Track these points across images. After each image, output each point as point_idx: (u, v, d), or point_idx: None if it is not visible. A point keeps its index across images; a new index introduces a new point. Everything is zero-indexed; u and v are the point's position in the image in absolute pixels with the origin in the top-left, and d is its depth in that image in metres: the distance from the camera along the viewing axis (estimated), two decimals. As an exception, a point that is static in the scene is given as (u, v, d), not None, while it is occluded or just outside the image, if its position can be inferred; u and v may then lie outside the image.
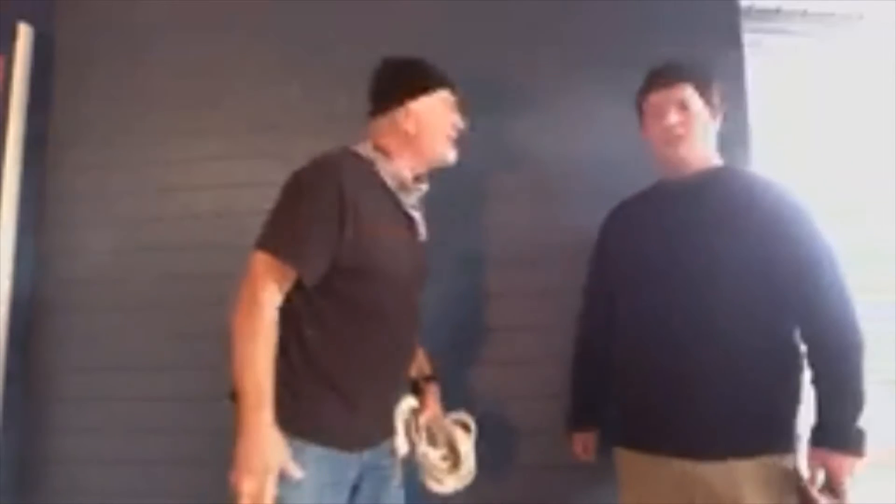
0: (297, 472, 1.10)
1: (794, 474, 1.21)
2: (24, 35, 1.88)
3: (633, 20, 1.79)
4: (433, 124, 1.31)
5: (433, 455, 1.35)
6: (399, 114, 1.30)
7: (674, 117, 1.34)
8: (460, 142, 1.37)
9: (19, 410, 1.79)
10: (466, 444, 1.37)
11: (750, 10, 1.92)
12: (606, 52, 1.77)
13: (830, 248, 1.23)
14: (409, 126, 1.29)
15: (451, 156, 1.35)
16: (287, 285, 1.16)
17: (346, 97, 1.81)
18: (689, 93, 1.34)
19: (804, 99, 2.00)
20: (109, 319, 1.83)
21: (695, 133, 1.33)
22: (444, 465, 1.35)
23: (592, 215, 1.53)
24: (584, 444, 1.51)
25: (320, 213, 1.15)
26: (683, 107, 1.34)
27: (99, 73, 1.96)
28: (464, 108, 1.38)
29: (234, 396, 1.12)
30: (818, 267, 1.21)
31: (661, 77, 1.37)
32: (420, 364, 1.44)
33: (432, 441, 1.37)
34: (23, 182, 1.84)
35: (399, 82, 1.33)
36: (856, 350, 1.18)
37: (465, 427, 1.41)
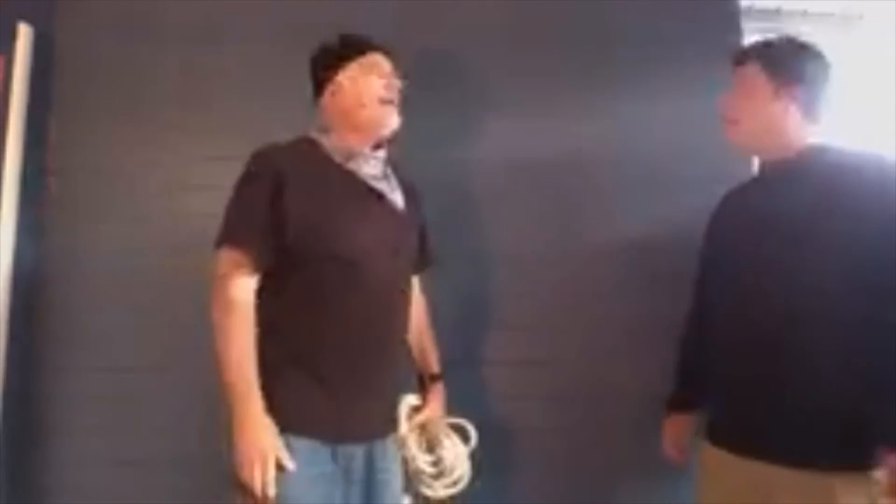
0: (289, 463, 1.10)
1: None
2: (24, 35, 1.88)
3: (634, 20, 1.79)
4: (359, 92, 1.29)
5: (421, 460, 1.32)
6: (327, 92, 1.33)
7: (727, 98, 1.29)
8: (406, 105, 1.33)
9: (19, 410, 1.79)
10: (452, 453, 1.33)
11: (750, 10, 1.92)
12: (608, 52, 1.78)
13: None
14: (339, 100, 1.31)
15: (388, 119, 1.30)
16: (249, 271, 1.18)
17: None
18: (753, 71, 1.26)
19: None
20: (109, 319, 1.82)
21: (755, 116, 1.26)
22: (432, 470, 1.32)
23: (604, 213, 1.53)
24: (675, 434, 1.40)
25: (256, 195, 1.19)
26: (742, 87, 1.27)
27: (99, 73, 1.96)
28: (397, 67, 1.35)
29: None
30: None
31: (738, 53, 1.32)
32: (427, 359, 1.42)
33: (426, 443, 1.34)
34: (23, 182, 1.84)
35: (323, 60, 1.36)
36: None
37: (464, 434, 1.37)
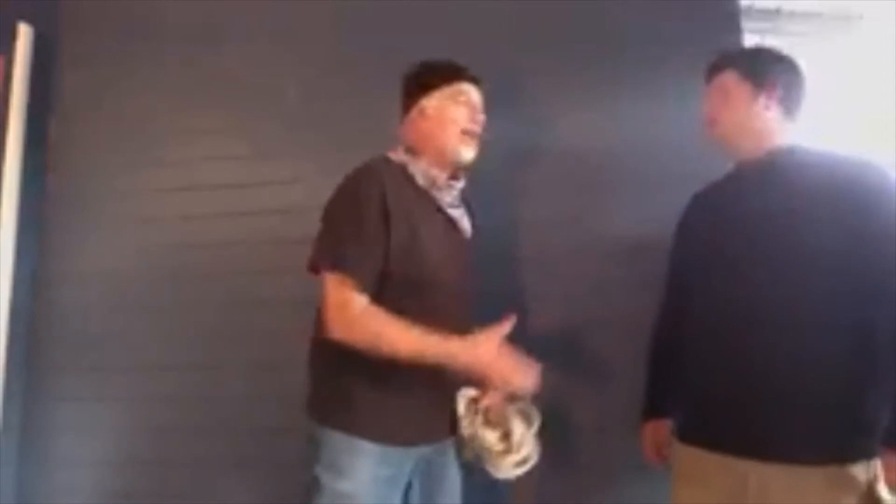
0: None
1: (872, 486, 1.08)
2: (24, 35, 1.88)
3: (634, 20, 1.79)
4: (443, 120, 1.30)
5: (490, 436, 1.30)
6: (415, 112, 1.32)
7: (706, 104, 1.33)
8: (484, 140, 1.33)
9: (20, 410, 1.79)
10: (521, 430, 1.31)
11: (750, 10, 1.92)
12: (608, 53, 1.77)
13: None
14: (424, 123, 1.31)
15: (465, 153, 1.31)
16: (360, 293, 1.16)
17: (348, 98, 1.82)
18: (730, 77, 1.30)
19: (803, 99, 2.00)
20: (110, 319, 1.83)
21: (732, 118, 1.29)
22: (500, 447, 1.30)
23: (604, 212, 1.53)
24: (655, 439, 1.42)
25: (370, 222, 1.18)
26: (720, 93, 1.31)
27: (99, 73, 1.96)
28: (485, 100, 1.35)
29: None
30: (892, 250, 1.09)
31: (708, 70, 1.36)
32: None
33: (490, 425, 1.32)
34: (23, 182, 1.84)
35: (414, 81, 1.35)
36: None
37: (527, 417, 1.35)
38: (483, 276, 1.52)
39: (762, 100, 1.27)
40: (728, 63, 1.32)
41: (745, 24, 1.82)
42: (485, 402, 1.33)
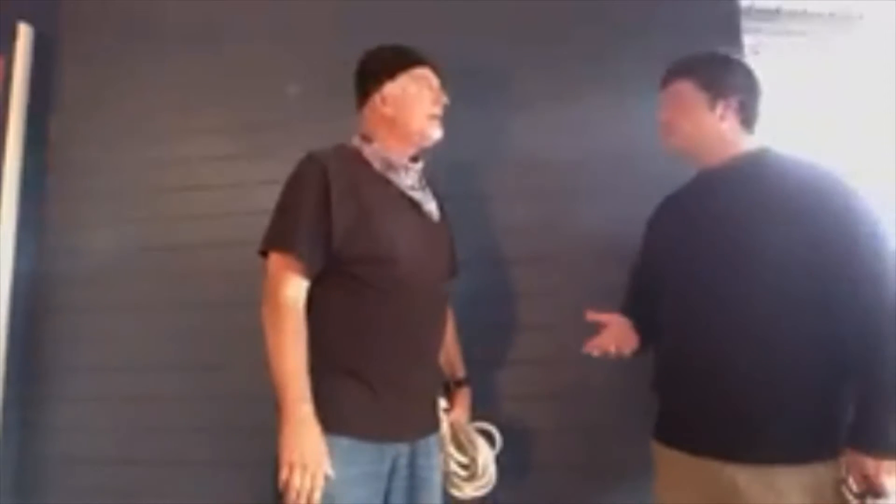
0: (330, 471, 1.10)
1: (843, 484, 1.11)
2: (24, 35, 1.88)
3: (633, 20, 1.79)
4: (409, 103, 1.32)
5: (453, 461, 1.35)
6: (376, 100, 1.33)
7: (661, 113, 1.34)
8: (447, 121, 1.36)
9: (19, 410, 1.79)
10: (486, 455, 1.37)
11: (750, 10, 1.92)
12: (607, 53, 1.77)
13: (874, 235, 1.12)
14: (387, 109, 1.32)
15: (434, 133, 1.34)
16: (301, 275, 1.18)
17: (348, 98, 1.82)
18: (685, 87, 1.30)
19: (804, 99, 2.00)
20: (110, 319, 1.83)
21: (687, 127, 1.29)
22: (463, 473, 1.36)
23: (605, 213, 1.54)
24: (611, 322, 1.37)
25: (306, 200, 1.20)
26: (675, 101, 1.31)
27: (99, 73, 1.96)
28: (443, 83, 1.38)
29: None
30: (856, 255, 1.11)
31: (664, 75, 1.36)
32: (453, 365, 1.45)
33: (456, 446, 1.37)
34: (23, 182, 1.84)
35: (372, 69, 1.36)
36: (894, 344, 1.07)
37: (489, 437, 1.40)
38: (474, 277, 1.53)
39: (718, 110, 1.28)
40: (684, 71, 1.32)
41: (745, 24, 1.82)
42: (449, 420, 1.37)
